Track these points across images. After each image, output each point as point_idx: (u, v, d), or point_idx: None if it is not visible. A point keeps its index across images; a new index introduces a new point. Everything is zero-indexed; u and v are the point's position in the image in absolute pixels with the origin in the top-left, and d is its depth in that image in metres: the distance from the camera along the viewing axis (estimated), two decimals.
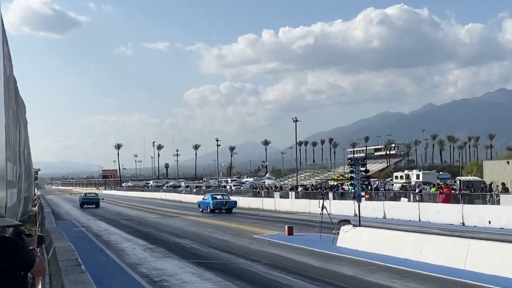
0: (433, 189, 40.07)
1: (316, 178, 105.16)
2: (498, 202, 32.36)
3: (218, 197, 46.01)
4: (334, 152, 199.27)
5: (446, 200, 33.28)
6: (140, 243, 23.49)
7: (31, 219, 35.71)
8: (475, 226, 28.01)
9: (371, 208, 35.60)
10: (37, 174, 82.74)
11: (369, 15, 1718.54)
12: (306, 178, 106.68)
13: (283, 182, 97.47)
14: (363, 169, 23.63)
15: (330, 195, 45.49)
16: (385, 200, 39.70)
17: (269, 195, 57.76)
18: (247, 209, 49.83)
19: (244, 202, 55.57)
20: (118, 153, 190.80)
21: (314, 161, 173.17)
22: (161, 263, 17.59)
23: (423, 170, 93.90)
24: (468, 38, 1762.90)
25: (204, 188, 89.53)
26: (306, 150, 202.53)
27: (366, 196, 36.18)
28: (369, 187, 37.34)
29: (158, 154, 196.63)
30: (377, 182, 73.29)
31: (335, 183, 70.57)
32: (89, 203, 56.81)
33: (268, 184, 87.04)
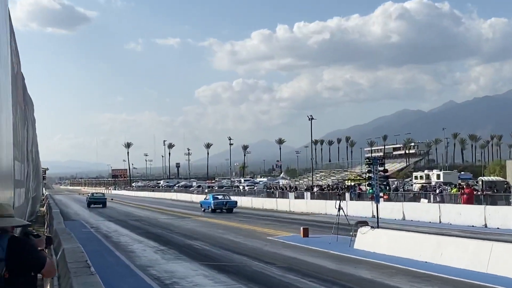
0: (454, 190, 39.82)
1: (332, 178, 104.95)
2: None
3: (219, 197, 48.49)
4: (351, 151, 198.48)
5: (467, 201, 33.05)
6: (151, 245, 23.58)
7: (39, 219, 36.00)
8: (498, 228, 27.79)
9: (389, 209, 35.44)
10: (45, 174, 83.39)
11: (388, 10, 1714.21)
12: (322, 178, 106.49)
13: (298, 182, 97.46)
14: (381, 168, 23.50)
15: (347, 195, 45.39)
16: (404, 201, 39.51)
17: (283, 195, 57.71)
18: (261, 210, 49.85)
19: (257, 202, 55.60)
20: (128, 152, 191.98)
21: (330, 161, 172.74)
22: (172, 265, 17.65)
23: (443, 170, 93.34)
24: (490, 32, 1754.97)
25: (216, 188, 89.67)
26: (322, 149, 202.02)
27: (385, 197, 36.02)
28: (388, 188, 37.15)
29: (169, 153, 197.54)
30: (396, 183, 73.14)
31: (352, 183, 70.44)
32: (96, 202, 59.39)
33: (283, 184, 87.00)
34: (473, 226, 29.05)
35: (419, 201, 39.07)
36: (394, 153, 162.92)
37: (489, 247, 15.37)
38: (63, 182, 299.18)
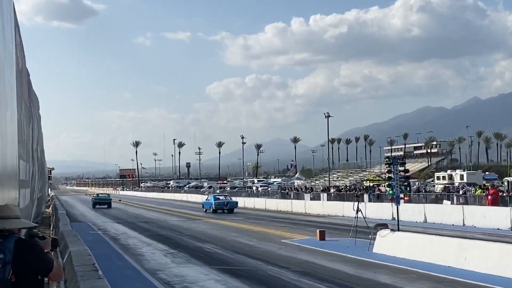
0: (478, 191, 39.61)
1: (350, 178, 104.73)
2: None
3: (220, 197, 52.01)
4: (370, 150, 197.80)
5: (493, 203, 32.85)
6: (160, 248, 23.67)
7: (44, 221, 36.22)
8: None
9: (410, 211, 35.33)
10: (50, 174, 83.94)
11: (409, 1, 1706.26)
12: (339, 178, 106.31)
13: (314, 183, 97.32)
14: (402, 168, 23.42)
15: (366, 197, 45.29)
16: (426, 202, 39.40)
17: (298, 196, 57.71)
18: (275, 212, 49.88)
19: (271, 204, 55.62)
20: (136, 151, 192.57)
21: (347, 160, 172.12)
22: (182, 269, 17.70)
23: (467, 170, 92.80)
24: None
25: (228, 189, 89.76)
26: (339, 148, 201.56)
27: (406, 198, 35.86)
28: (409, 189, 37.04)
29: (179, 152, 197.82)
30: (417, 183, 72.81)
31: (371, 184, 70.28)
32: (101, 203, 61.87)
33: (298, 185, 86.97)
34: (498, 229, 28.87)
35: (441, 203, 38.92)
36: (415, 152, 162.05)
37: None
38: (69, 182, 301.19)
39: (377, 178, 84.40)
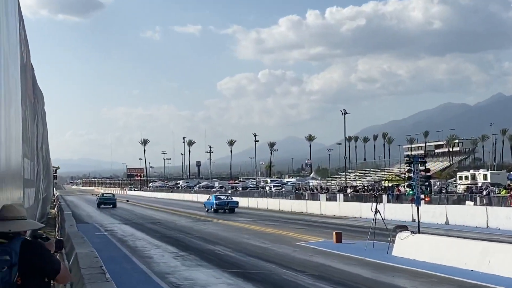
0: (503, 192, 39.40)
1: (368, 178, 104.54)
2: None
3: (221, 197, 54.74)
4: (389, 149, 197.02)
5: None
6: (170, 250, 23.75)
7: (49, 222, 36.43)
8: None
9: (431, 213, 35.24)
10: (55, 173, 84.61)
11: None
12: (356, 178, 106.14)
13: (330, 183, 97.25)
14: (422, 168, 23.34)
15: (384, 197, 45.21)
16: (448, 203, 39.25)
17: (314, 197, 57.68)
18: (289, 213, 49.89)
19: (285, 205, 55.64)
20: (144, 150, 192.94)
21: (365, 159, 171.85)
22: (193, 272, 17.74)
23: (491, 170, 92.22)
24: None
25: (240, 189, 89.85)
26: (356, 146, 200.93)
27: (426, 199, 35.73)
28: (430, 189, 36.93)
29: (189, 151, 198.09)
30: (438, 183, 72.49)
31: (390, 184, 70.05)
32: (106, 203, 64.46)
33: (313, 185, 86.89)
34: None
35: (464, 204, 38.76)
36: (436, 151, 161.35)
37: None
38: (75, 182, 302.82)
39: (396, 178, 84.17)
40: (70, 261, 13.53)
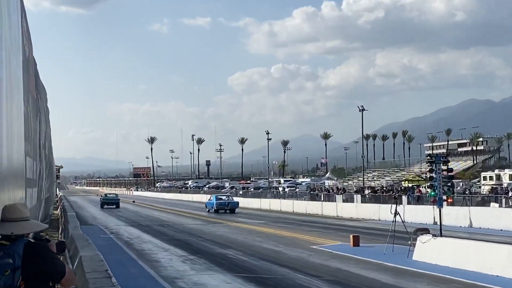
0: None
1: (387, 178, 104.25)
2: None
3: (222, 198, 58.21)
4: (409, 147, 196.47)
5: None
6: (178, 253, 23.81)
7: (52, 223, 36.59)
8: None
9: (454, 215, 35.12)
10: (59, 172, 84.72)
11: None
12: (375, 178, 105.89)
13: (346, 183, 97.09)
14: (445, 167, 23.27)
15: (404, 199, 45.12)
16: (472, 205, 39.11)
17: (329, 198, 57.65)
18: (303, 215, 49.87)
19: (299, 206, 55.63)
20: (151, 148, 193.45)
21: (384, 158, 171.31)
22: (203, 276, 17.78)
23: None
24: None
25: (252, 190, 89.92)
26: (374, 145, 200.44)
27: (449, 201, 35.58)
28: (452, 190, 36.74)
29: (198, 150, 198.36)
30: (461, 184, 72.22)
31: (410, 185, 69.82)
32: (109, 203, 67.38)
33: (329, 186, 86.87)
34: None
35: (488, 206, 38.63)
36: (459, 149, 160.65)
37: None
38: (79, 182, 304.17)
39: (417, 178, 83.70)
40: (74, 264, 13.59)
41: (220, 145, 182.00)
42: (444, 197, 23.76)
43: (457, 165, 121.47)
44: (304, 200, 60.83)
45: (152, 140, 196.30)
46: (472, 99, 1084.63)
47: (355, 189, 68.92)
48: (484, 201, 41.35)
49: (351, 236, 25.59)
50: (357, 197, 54.05)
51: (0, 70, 6.41)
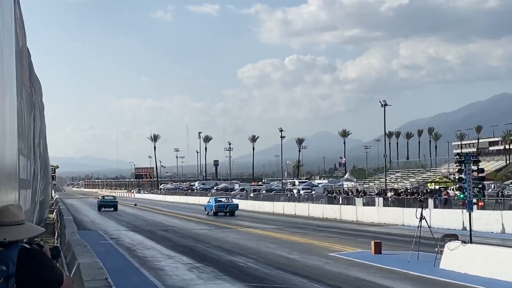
0: None
1: (412, 180, 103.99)
2: None
3: (221, 200, 61.23)
4: (435, 146, 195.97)
5: None
6: (184, 261, 23.86)
7: (48, 228, 36.79)
8: None
9: (485, 220, 35.00)
10: (54, 173, 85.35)
11: None
12: (398, 180, 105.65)
13: (367, 185, 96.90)
14: (475, 168, 23.20)
15: (431, 202, 44.96)
16: (504, 209, 38.97)
17: (348, 201, 57.52)
18: (320, 220, 49.88)
19: (316, 210, 55.62)
20: (154, 147, 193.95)
21: (408, 158, 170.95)
22: (210, 286, 17.83)
23: None
24: None
25: (263, 192, 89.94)
26: (398, 143, 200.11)
27: (480, 204, 35.53)
28: (483, 192, 36.62)
29: (205, 148, 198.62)
30: (493, 186, 71.91)
31: (437, 187, 69.62)
32: (106, 206, 69.66)
33: (348, 188, 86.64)
34: None
35: None
36: (491, 148, 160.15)
37: None
38: (76, 183, 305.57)
39: (445, 179, 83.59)
40: (72, 272, 13.65)
41: (229, 144, 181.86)
42: (474, 200, 23.72)
43: (488, 165, 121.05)
44: (321, 203, 60.77)
45: (155, 138, 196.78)
46: (505, 93, 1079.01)
47: (376, 192, 68.72)
48: None
49: (372, 242, 25.56)
50: (379, 200, 53.92)
51: None
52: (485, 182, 43.50)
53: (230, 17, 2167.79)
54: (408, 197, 51.31)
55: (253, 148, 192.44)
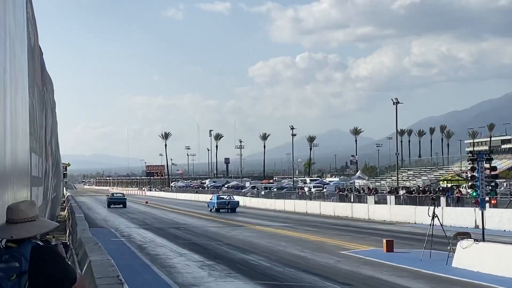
0: None
1: (424, 178, 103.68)
2: None
3: (223, 197, 63.82)
4: (448, 144, 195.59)
5: None
6: (195, 259, 23.90)
7: (59, 225, 36.95)
8: None
9: (498, 218, 34.92)
10: (66, 170, 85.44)
11: None
12: (410, 178, 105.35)
13: (379, 183, 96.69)
14: (487, 166, 23.13)
15: (443, 200, 44.84)
16: None
17: (360, 199, 57.51)
18: (332, 218, 49.83)
19: (327, 208, 55.55)
20: (165, 145, 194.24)
21: (420, 156, 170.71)
22: (222, 284, 17.83)
23: None
24: None
25: (275, 190, 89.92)
26: (409, 141, 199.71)
27: (493, 202, 35.36)
28: (496, 190, 36.50)
29: (216, 146, 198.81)
30: (505, 184, 71.72)
31: (449, 185, 69.46)
32: (115, 202, 72.85)
33: (359, 186, 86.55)
34: None
35: None
36: (503, 146, 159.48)
37: None
38: (88, 181, 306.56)
39: (457, 177, 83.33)
40: (83, 269, 13.69)
41: (240, 142, 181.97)
42: (487, 199, 23.64)
43: (501, 163, 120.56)
44: (332, 201, 60.73)
45: (166, 136, 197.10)
46: None
47: (388, 190, 68.58)
48: None
49: (384, 240, 25.52)
50: (391, 198, 53.84)
51: (3, 59, 6.40)
52: (497, 180, 43.50)
53: (241, 16, 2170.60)
54: (420, 195, 51.21)
55: (264, 146, 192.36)
